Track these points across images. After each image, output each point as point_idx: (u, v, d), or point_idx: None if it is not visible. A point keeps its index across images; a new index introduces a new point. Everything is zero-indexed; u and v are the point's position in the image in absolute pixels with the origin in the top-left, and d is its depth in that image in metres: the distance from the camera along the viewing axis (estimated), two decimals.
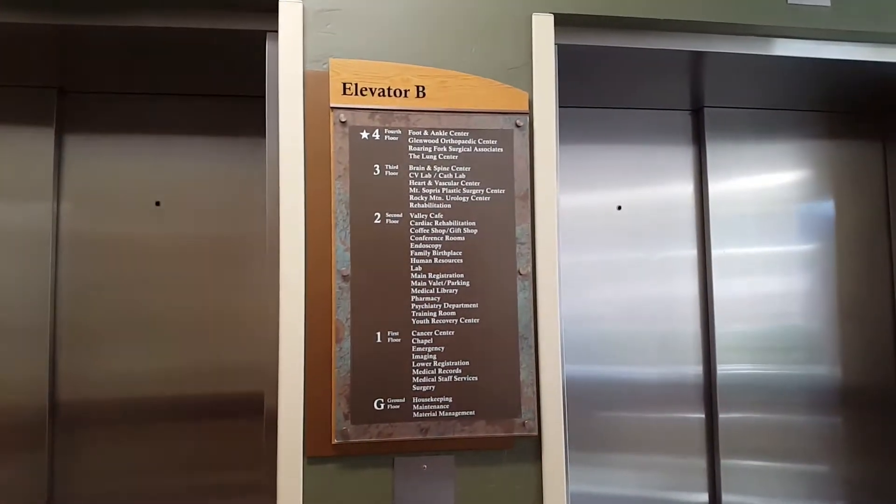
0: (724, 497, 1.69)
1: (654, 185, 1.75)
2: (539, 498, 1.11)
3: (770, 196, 1.78)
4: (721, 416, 1.71)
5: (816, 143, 1.80)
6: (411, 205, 1.09)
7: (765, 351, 1.74)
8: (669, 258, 1.74)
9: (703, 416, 1.73)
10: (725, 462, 1.70)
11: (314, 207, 1.09)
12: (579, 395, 1.67)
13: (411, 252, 1.09)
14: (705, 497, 1.72)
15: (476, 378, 1.11)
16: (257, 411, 1.45)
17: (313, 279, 1.08)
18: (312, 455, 1.07)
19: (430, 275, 1.10)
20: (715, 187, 1.74)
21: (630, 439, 1.69)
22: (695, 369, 1.73)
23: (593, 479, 1.68)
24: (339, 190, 1.08)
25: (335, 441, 1.07)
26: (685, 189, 1.76)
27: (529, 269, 1.12)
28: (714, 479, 1.71)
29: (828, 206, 1.79)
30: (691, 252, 1.74)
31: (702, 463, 1.72)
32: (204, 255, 1.50)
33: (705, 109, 1.73)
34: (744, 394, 1.72)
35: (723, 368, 1.71)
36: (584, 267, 1.70)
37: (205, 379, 1.48)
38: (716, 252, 1.72)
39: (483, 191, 1.11)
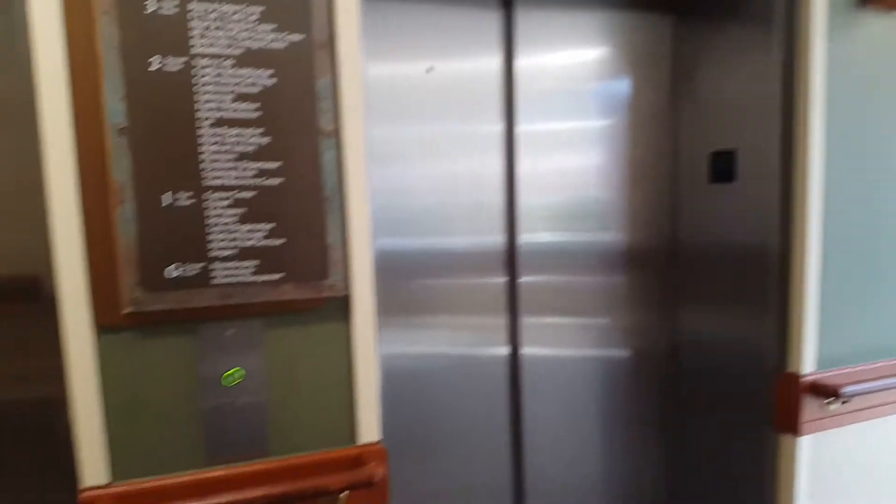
0: (522, 349, 1.87)
1: (464, 53, 1.73)
2: (349, 355, 1.13)
3: (573, 72, 1.85)
4: (521, 279, 1.84)
5: (618, 16, 1.86)
6: (194, 49, 0.97)
7: (562, 219, 1.87)
8: (478, 132, 1.77)
9: (506, 280, 1.85)
10: (524, 320, 1.86)
11: (77, 52, 0.93)
12: (391, 267, 1.70)
13: (198, 104, 0.99)
14: (506, 350, 1.87)
15: (282, 241, 1.07)
16: (36, 296, 1.31)
17: (83, 135, 0.95)
18: (103, 326, 0.98)
19: (222, 129, 1.01)
20: (522, 61, 1.77)
21: (440, 304, 1.77)
22: (499, 238, 1.82)
23: (406, 340, 1.75)
24: (106, 30, 0.93)
25: (127, 310, 0.99)
26: (494, 61, 1.77)
27: (333, 126, 1.08)
28: (514, 334, 1.87)
29: (625, 82, 1.91)
30: (499, 127, 1.78)
31: (504, 321, 1.86)
32: None
33: None
34: (542, 259, 1.85)
35: (524, 237, 1.82)
36: (395, 140, 1.68)
37: None
38: (521, 127, 1.77)
39: (279, 35, 1.02)
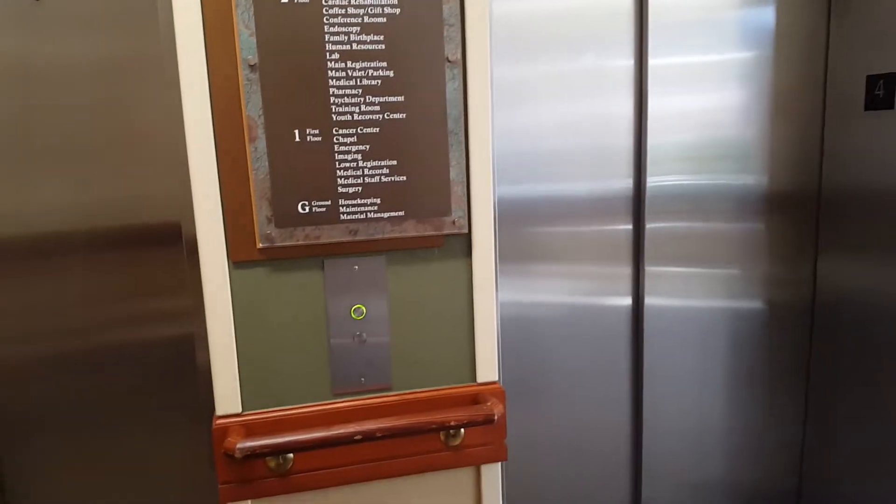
0: (647, 300, 1.79)
1: None
2: (470, 291, 1.12)
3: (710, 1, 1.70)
4: (648, 225, 1.75)
5: None
6: None
7: (694, 161, 1.75)
8: (606, 68, 1.67)
9: (631, 226, 1.76)
10: (650, 269, 1.77)
11: None
12: (510, 212, 1.67)
13: (326, 36, 0.98)
14: (628, 300, 1.80)
15: (404, 178, 1.06)
16: (176, 241, 1.39)
17: (216, 71, 0.97)
18: (238, 261, 1.03)
19: (349, 63, 1.00)
20: None
21: (559, 251, 1.73)
22: (625, 182, 1.74)
23: (525, 287, 1.73)
24: None
25: (260, 245, 1.02)
26: None
27: (459, 55, 1.03)
28: (638, 284, 1.79)
29: (769, 8, 1.73)
30: (628, 61, 1.67)
31: (627, 270, 1.79)
32: (101, 71, 1.34)
33: None
34: (670, 204, 1.76)
35: (653, 180, 1.73)
36: (515, 80, 1.61)
37: (118, 211, 1.40)
38: (654, 62, 1.65)
39: None
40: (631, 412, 1.85)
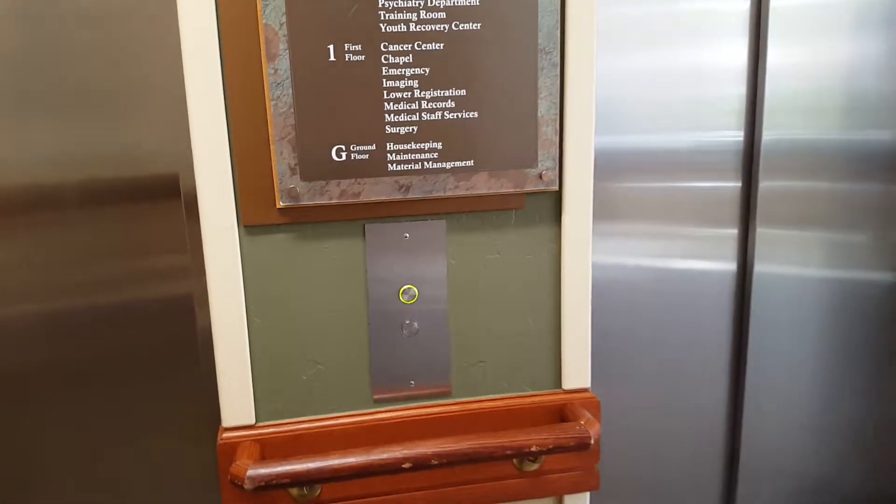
0: (757, 266, 1.58)
1: None
2: (557, 269, 0.85)
3: None
4: (762, 184, 1.53)
5: None
6: None
7: (820, 114, 1.52)
8: (717, 8, 1.45)
9: (739, 184, 1.55)
10: (760, 231, 1.56)
11: None
12: (603, 165, 1.45)
13: None
14: (733, 266, 1.60)
15: (475, 114, 0.78)
16: (174, 194, 1.24)
17: None
18: (250, 224, 0.77)
19: None
20: None
21: (652, 209, 1.54)
22: (734, 135, 1.52)
23: (609, 249, 1.55)
24: None
25: (281, 205, 0.77)
26: None
27: None
28: (745, 248, 1.59)
29: None
30: (743, 3, 1.45)
31: (733, 232, 1.58)
32: (98, 12, 1.17)
33: None
34: (790, 160, 1.53)
35: (769, 134, 1.50)
36: (608, 19, 1.39)
37: (115, 161, 1.24)
38: (774, 2, 1.43)
39: None
40: (729, 395, 1.66)
